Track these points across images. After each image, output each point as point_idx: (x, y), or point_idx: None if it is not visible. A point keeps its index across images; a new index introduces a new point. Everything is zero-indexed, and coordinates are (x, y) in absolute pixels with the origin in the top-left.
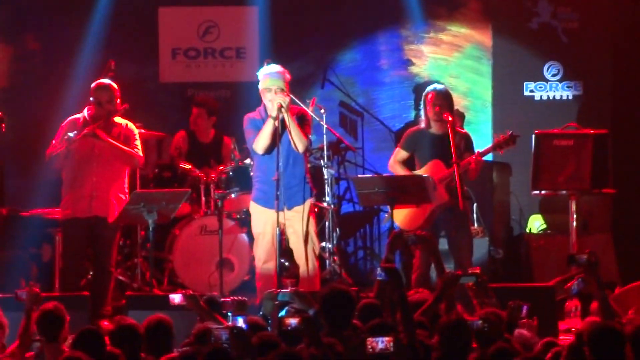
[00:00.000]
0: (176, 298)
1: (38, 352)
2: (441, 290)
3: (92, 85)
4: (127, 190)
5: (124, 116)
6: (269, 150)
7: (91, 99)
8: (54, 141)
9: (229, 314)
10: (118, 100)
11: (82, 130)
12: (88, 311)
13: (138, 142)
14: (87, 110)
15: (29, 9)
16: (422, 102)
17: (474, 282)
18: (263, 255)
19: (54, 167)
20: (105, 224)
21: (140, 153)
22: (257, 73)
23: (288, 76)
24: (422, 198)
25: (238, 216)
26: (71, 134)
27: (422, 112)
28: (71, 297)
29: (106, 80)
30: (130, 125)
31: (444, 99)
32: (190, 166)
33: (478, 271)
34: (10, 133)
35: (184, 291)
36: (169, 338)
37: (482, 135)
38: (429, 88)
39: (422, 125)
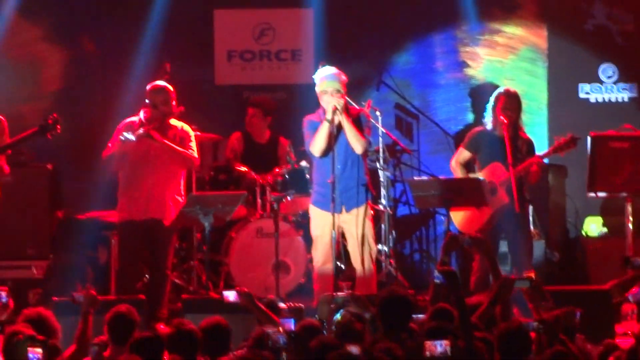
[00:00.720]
0: (230, 295)
1: (96, 357)
2: (496, 295)
3: (148, 87)
4: (183, 193)
5: (179, 118)
6: (326, 152)
7: (146, 101)
8: (109, 144)
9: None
10: (173, 103)
11: (138, 132)
12: (144, 314)
13: (193, 144)
14: (143, 113)
15: (85, 12)
16: (490, 103)
17: (528, 286)
18: (321, 257)
19: (110, 169)
20: (161, 226)
21: (196, 155)
22: (314, 76)
23: (344, 78)
24: (478, 201)
25: (294, 219)
26: (127, 135)
27: (487, 114)
28: (127, 300)
29: (161, 82)
30: (186, 127)
31: (511, 101)
32: (246, 168)
33: (532, 275)
34: (65, 135)
35: (238, 288)
36: (226, 340)
37: (537, 138)
38: (499, 89)
39: (489, 126)
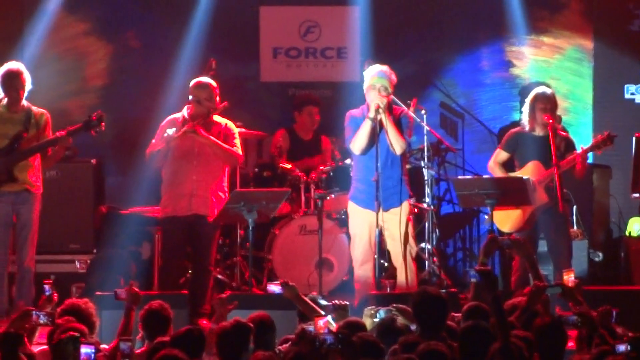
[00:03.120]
0: (275, 288)
1: (128, 352)
2: (528, 303)
3: (192, 83)
4: (226, 189)
5: (223, 115)
6: (366, 150)
7: (190, 97)
8: (153, 140)
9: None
10: (217, 98)
11: (181, 128)
12: (187, 310)
13: (238, 141)
14: (187, 109)
15: (130, 7)
16: (527, 104)
17: (560, 292)
18: (360, 256)
19: (154, 165)
20: (205, 222)
21: (240, 152)
22: (364, 72)
23: (394, 78)
24: (522, 200)
25: (338, 216)
26: (170, 131)
27: (525, 114)
28: (170, 295)
29: (205, 78)
30: (230, 124)
31: (549, 101)
32: (290, 166)
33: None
34: (109, 131)
35: (282, 281)
36: (272, 335)
37: (582, 138)
38: (535, 90)
39: (526, 127)
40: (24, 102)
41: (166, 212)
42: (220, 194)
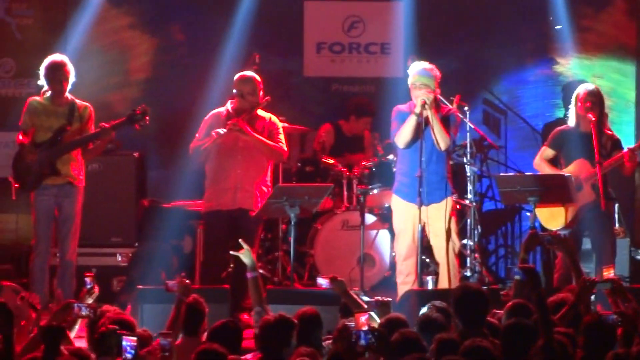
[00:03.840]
0: (323, 282)
1: (169, 347)
2: (577, 297)
3: (235, 77)
4: (269, 183)
5: (266, 109)
6: (409, 144)
7: (234, 91)
8: (197, 134)
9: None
10: (261, 93)
11: (225, 123)
12: (228, 304)
13: (282, 136)
14: (230, 104)
15: (174, 0)
16: (572, 101)
17: (610, 287)
18: (404, 251)
19: (198, 160)
20: (248, 216)
21: (285, 147)
22: (408, 70)
23: (437, 73)
24: (564, 197)
25: (380, 212)
26: (220, 131)
27: (570, 111)
28: (212, 289)
29: (249, 73)
30: (274, 118)
31: (595, 98)
32: (333, 161)
33: (612, 269)
34: (152, 124)
35: (332, 275)
36: (319, 332)
37: (624, 136)
38: (581, 87)
39: (571, 124)
40: (68, 95)
41: (210, 206)
42: (264, 188)
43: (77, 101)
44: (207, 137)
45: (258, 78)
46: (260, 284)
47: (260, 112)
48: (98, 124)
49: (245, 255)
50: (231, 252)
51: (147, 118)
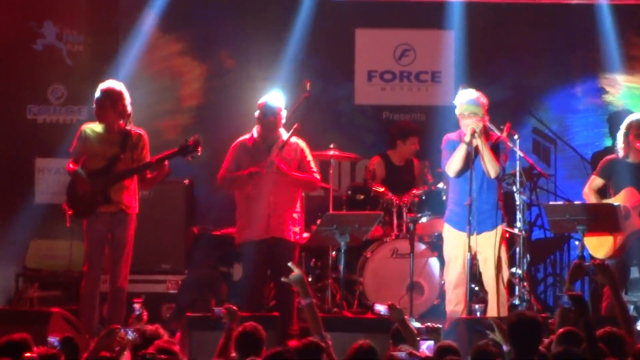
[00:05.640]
0: (382, 308)
1: None
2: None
3: (259, 102)
4: (299, 210)
5: (298, 135)
6: (460, 173)
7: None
8: (225, 164)
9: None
10: (283, 115)
11: (252, 149)
12: (277, 331)
13: (312, 163)
14: (256, 129)
15: (225, 27)
16: (620, 131)
17: None
18: (454, 279)
19: (228, 191)
20: (283, 243)
21: (317, 175)
22: (454, 100)
23: (484, 100)
24: (613, 227)
25: (429, 240)
26: (258, 174)
27: (619, 141)
28: (260, 317)
29: (269, 98)
30: (303, 145)
31: None
32: (383, 189)
33: None
34: (203, 151)
35: (390, 302)
36: None
37: None
38: (631, 117)
39: (621, 153)
40: (123, 123)
41: (243, 236)
42: (295, 215)
43: (132, 129)
44: (237, 169)
45: (282, 102)
46: (316, 310)
47: (283, 133)
48: (152, 152)
49: (297, 281)
50: (282, 279)
51: (200, 148)
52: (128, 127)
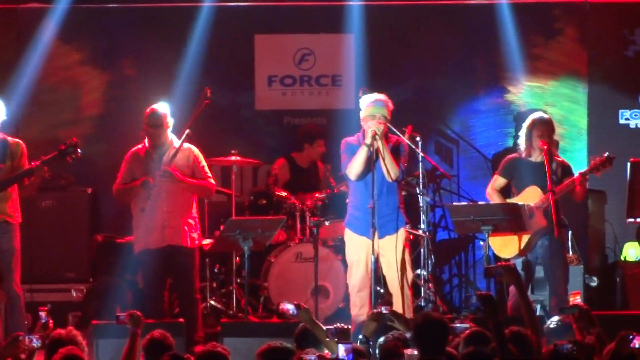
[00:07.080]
0: (290, 307)
1: None
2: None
3: (145, 111)
4: (196, 215)
5: (191, 141)
6: (362, 176)
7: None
8: (119, 176)
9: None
10: (170, 123)
11: (145, 159)
12: (184, 337)
13: (206, 167)
14: (147, 139)
15: (125, 36)
16: (523, 130)
17: (577, 312)
18: (357, 283)
19: (123, 202)
20: (180, 251)
21: (212, 181)
22: (360, 101)
23: (391, 105)
24: (517, 226)
25: (333, 243)
26: (150, 183)
27: (521, 140)
28: (166, 324)
29: (157, 106)
30: (196, 152)
31: (546, 127)
32: (285, 193)
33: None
34: (104, 159)
35: (297, 302)
36: None
37: (577, 163)
38: (533, 116)
39: (523, 152)
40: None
41: (140, 246)
42: (191, 221)
43: (9, 138)
44: (131, 180)
45: (167, 110)
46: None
47: (175, 140)
48: (31, 160)
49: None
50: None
51: (79, 150)
52: (2, 136)
